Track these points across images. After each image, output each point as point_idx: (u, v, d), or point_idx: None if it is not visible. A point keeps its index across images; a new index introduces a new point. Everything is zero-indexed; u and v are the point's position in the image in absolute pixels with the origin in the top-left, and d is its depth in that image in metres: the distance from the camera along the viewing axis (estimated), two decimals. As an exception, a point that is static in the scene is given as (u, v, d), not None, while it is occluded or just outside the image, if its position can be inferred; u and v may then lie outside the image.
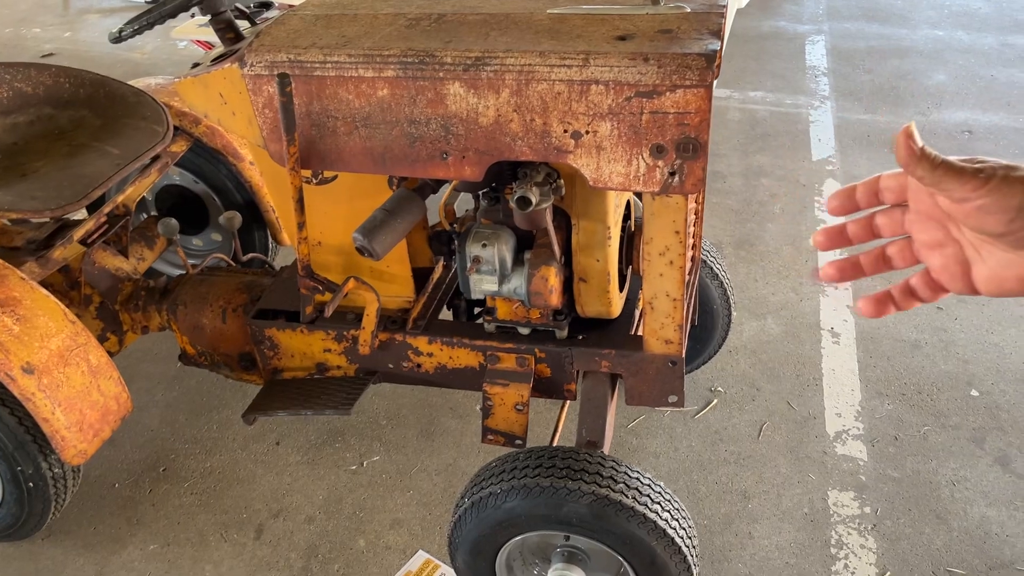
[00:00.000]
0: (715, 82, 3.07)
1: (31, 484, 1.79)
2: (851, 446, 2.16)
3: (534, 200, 1.44)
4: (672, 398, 1.69)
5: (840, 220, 0.75)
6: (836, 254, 2.59)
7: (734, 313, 2.20)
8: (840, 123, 3.87)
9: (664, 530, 1.46)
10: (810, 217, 3.13)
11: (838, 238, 0.75)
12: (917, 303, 0.72)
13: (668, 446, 2.18)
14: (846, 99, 4.11)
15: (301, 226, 1.61)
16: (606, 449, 1.71)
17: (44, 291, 1.72)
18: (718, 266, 2.11)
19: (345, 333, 1.82)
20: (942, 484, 2.05)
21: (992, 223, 0.61)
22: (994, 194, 0.60)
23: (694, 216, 1.83)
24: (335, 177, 1.67)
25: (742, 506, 2.01)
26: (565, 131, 1.35)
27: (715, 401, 2.31)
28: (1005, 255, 0.63)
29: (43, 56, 5.21)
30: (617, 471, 1.49)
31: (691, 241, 1.84)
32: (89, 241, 2.00)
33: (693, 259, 1.90)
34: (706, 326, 2.18)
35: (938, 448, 2.15)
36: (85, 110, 2.15)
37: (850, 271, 0.74)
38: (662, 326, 1.58)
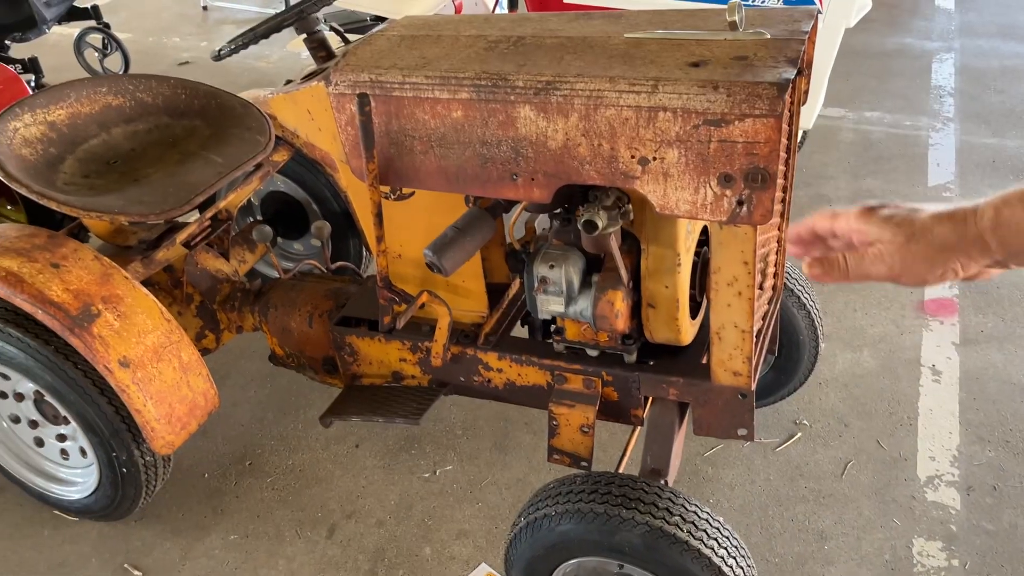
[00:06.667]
0: (818, 103, 2.95)
1: (124, 470, 1.91)
2: (943, 493, 2.04)
3: (601, 224, 1.43)
4: (741, 431, 1.65)
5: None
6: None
7: (822, 344, 2.12)
8: (963, 147, 3.66)
9: (719, 567, 1.42)
10: (920, 246, 2.97)
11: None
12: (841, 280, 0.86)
13: (745, 478, 2.12)
14: (972, 122, 3.88)
15: (380, 239, 1.66)
16: (671, 478, 1.68)
17: (144, 290, 1.84)
18: (806, 295, 2.04)
19: (419, 344, 1.86)
20: (1043, 542, 1.91)
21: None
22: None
23: (776, 244, 1.78)
24: (412, 193, 1.72)
25: (818, 547, 1.93)
26: (632, 157, 1.34)
27: (799, 435, 2.23)
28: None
29: (180, 64, 5.55)
30: (674, 503, 1.47)
31: (772, 270, 1.79)
32: (192, 244, 2.13)
33: (775, 288, 1.84)
34: (791, 357, 2.10)
35: (1042, 502, 2.00)
36: (198, 120, 2.29)
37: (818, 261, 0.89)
38: (730, 357, 1.54)
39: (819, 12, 1.44)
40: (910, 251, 0.78)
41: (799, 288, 2.03)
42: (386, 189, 1.74)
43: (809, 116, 2.95)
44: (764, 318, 1.78)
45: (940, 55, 4.67)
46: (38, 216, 2.76)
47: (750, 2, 2.87)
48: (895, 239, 0.79)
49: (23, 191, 1.75)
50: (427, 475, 2.20)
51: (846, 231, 0.85)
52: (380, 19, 3.81)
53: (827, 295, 2.75)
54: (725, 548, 1.45)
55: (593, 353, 1.71)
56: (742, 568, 1.46)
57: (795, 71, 1.26)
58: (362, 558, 1.99)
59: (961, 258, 0.76)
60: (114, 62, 4.95)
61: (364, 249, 2.65)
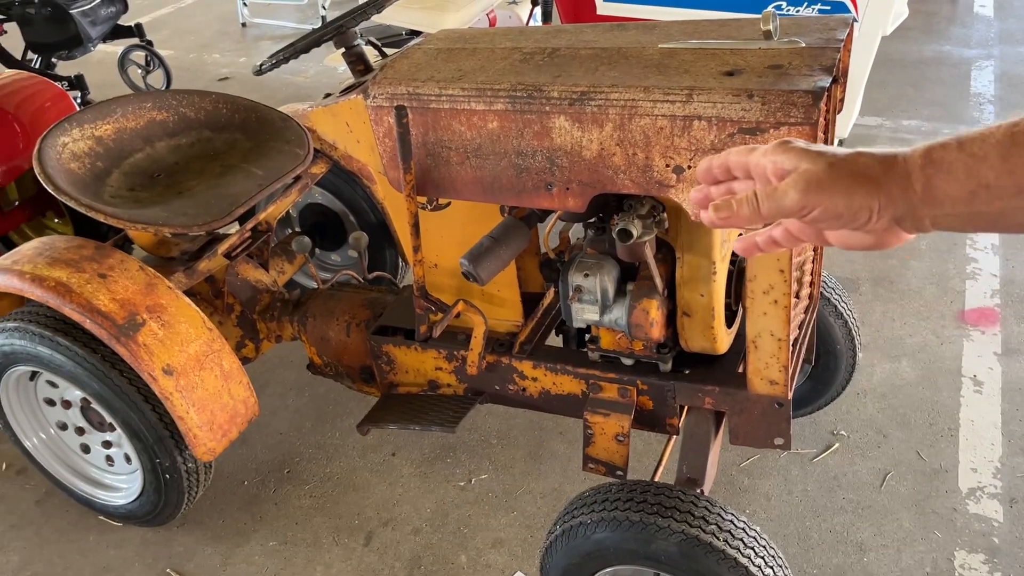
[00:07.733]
0: (854, 112, 2.92)
1: (167, 476, 1.95)
2: (985, 505, 2.01)
3: (635, 233, 1.44)
4: (778, 441, 1.64)
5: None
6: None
7: (860, 354, 2.10)
8: (1004, 155, 3.60)
9: (756, 576, 1.41)
10: (959, 255, 2.94)
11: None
12: (779, 248, 0.84)
13: (782, 488, 2.11)
14: (1013, 129, 3.81)
15: (417, 249, 1.69)
16: (707, 488, 1.68)
17: (187, 300, 1.88)
18: (843, 304, 2.02)
19: (455, 353, 1.88)
20: (1090, 556, 1.87)
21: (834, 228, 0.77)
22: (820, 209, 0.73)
23: (812, 252, 1.77)
24: (449, 203, 1.74)
25: (856, 559, 1.91)
26: (667, 165, 1.35)
27: (836, 445, 2.21)
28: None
29: (220, 79, 5.67)
30: (710, 511, 1.46)
31: (808, 278, 1.78)
32: (232, 255, 2.17)
33: (811, 297, 1.83)
34: (828, 367, 2.09)
35: (1089, 516, 1.96)
36: (238, 133, 2.34)
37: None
38: (766, 366, 1.54)
39: (855, 20, 1.44)
40: (828, 177, 0.72)
41: (836, 297, 2.01)
42: (423, 199, 1.76)
43: (845, 125, 2.93)
44: (800, 327, 1.77)
45: (979, 62, 4.61)
46: (84, 228, 2.83)
47: (784, 10, 2.87)
48: (814, 166, 0.73)
49: (72, 204, 1.80)
50: (462, 483, 2.22)
51: (761, 164, 0.78)
52: (416, 33, 3.86)
53: (865, 304, 2.72)
54: (762, 558, 1.44)
55: (628, 362, 1.71)
56: (779, 578, 1.46)
57: (830, 79, 1.26)
58: (398, 565, 2.01)
59: (881, 196, 0.71)
60: (157, 78, 5.07)
61: (400, 259, 2.68)
